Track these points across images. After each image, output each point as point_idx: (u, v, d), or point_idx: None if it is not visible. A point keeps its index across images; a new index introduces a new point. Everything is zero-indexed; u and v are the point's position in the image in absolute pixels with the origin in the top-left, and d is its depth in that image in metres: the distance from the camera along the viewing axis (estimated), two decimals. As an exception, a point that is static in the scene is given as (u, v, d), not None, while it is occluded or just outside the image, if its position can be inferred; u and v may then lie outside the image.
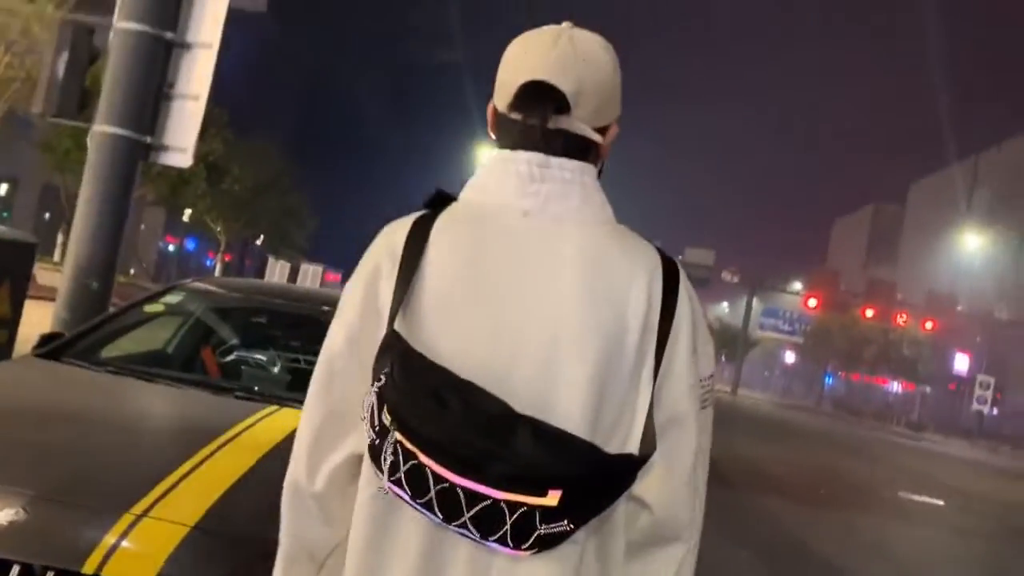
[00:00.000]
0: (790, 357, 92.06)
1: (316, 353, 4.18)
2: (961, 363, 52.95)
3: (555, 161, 1.26)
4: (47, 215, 38.86)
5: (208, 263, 55.37)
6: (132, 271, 34.52)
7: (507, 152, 1.29)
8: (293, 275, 38.15)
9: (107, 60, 6.50)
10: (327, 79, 66.28)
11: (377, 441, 1.12)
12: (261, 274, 45.64)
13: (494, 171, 1.29)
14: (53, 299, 6.94)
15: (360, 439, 1.20)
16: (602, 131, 1.31)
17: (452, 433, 1.09)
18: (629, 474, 1.15)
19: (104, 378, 3.32)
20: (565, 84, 1.25)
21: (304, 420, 1.28)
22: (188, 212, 36.59)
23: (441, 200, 1.28)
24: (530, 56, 1.28)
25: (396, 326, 1.17)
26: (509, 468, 1.07)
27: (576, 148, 1.28)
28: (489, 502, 1.08)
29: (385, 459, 1.12)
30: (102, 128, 6.42)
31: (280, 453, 2.69)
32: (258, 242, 45.46)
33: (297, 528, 1.29)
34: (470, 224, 1.24)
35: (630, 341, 1.20)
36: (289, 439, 2.79)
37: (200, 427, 2.81)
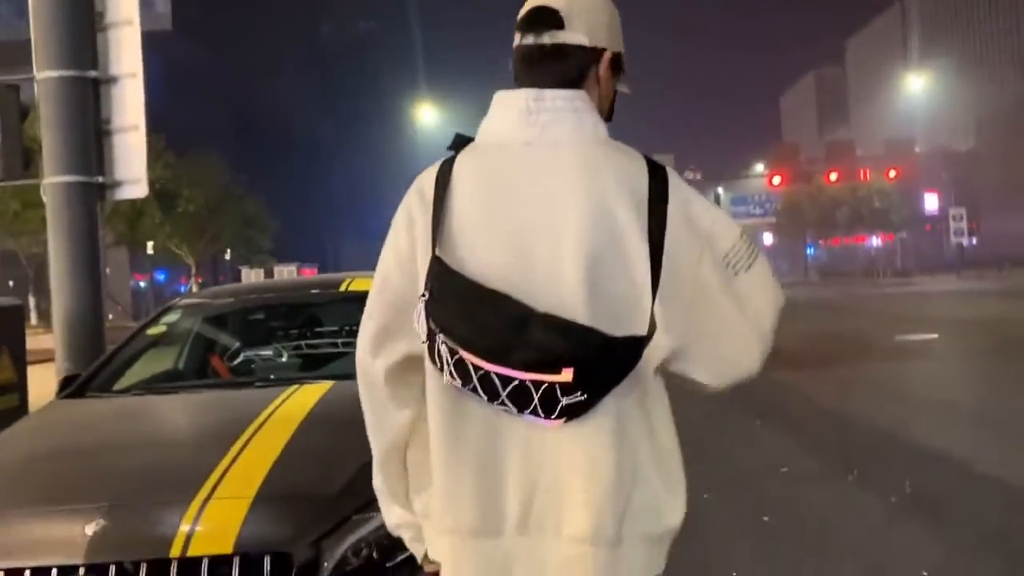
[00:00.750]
0: (768, 238, 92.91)
1: (317, 335, 4.43)
2: (931, 202, 53.80)
3: (548, 93, 1.50)
4: (11, 282, 38.49)
5: (182, 289, 55.12)
6: (111, 316, 34.37)
7: (506, 92, 1.54)
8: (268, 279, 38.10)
9: (38, 113, 6.56)
10: (253, 80, 65.20)
11: (428, 343, 1.39)
12: (237, 287, 45.57)
13: (499, 110, 1.53)
14: (45, 360, 7.12)
15: (412, 342, 1.46)
16: (596, 54, 1.54)
17: (481, 331, 1.36)
18: (632, 351, 1.39)
19: (131, 401, 3.57)
20: (557, 3, 1.52)
21: (365, 328, 1.52)
22: (151, 244, 36.37)
23: (462, 142, 1.53)
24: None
25: (437, 251, 1.43)
26: (528, 353, 1.34)
27: (569, 78, 1.52)
28: (517, 382, 1.34)
29: (438, 356, 1.38)
30: (53, 180, 6.48)
31: (313, 421, 2.98)
32: (226, 256, 45.29)
33: (378, 417, 1.54)
34: (483, 158, 1.50)
35: (622, 240, 1.43)
36: (317, 408, 3.08)
37: (235, 416, 3.06)
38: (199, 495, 2.47)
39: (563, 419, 1.37)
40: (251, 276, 30.70)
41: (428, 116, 55.36)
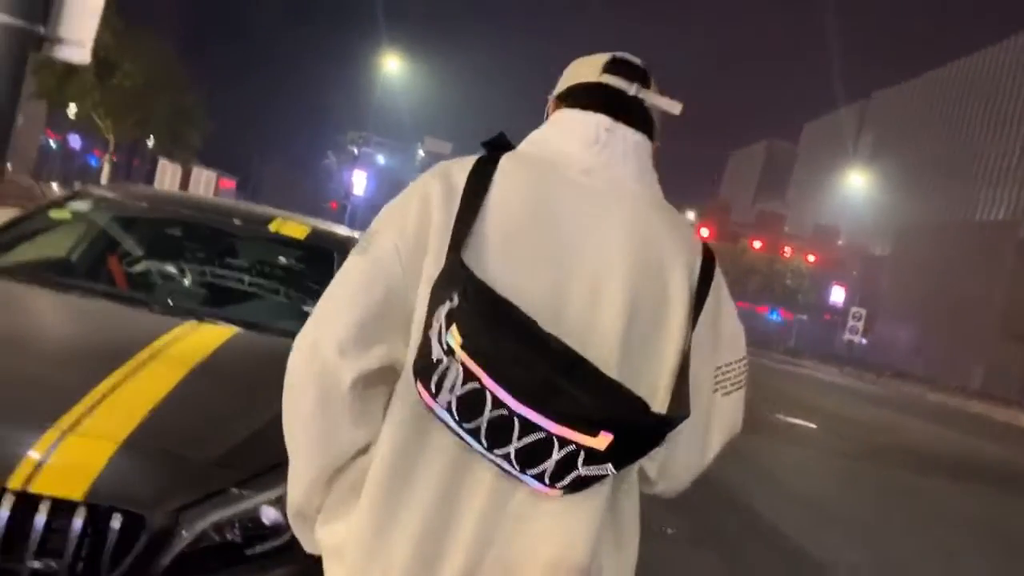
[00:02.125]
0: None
1: (228, 268, 4.10)
2: (837, 295, 55.78)
3: (620, 127, 1.35)
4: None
5: (93, 162, 52.60)
6: (9, 166, 32.46)
7: (577, 111, 1.36)
8: (185, 179, 36.58)
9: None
10: (224, -27, 62.65)
11: (436, 360, 1.15)
12: (151, 176, 43.62)
13: (561, 127, 1.36)
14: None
15: (393, 348, 1.23)
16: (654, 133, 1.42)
17: (524, 364, 1.13)
18: (662, 432, 1.22)
19: (9, 287, 3.20)
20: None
21: (340, 316, 1.23)
22: (73, 107, 34.42)
23: (502, 144, 1.33)
24: (595, 58, 1.43)
25: (462, 255, 1.20)
26: (572, 405, 1.13)
27: (643, 122, 1.38)
28: (543, 435, 1.13)
29: (441, 379, 1.15)
30: (-10, 15, 5.92)
31: (207, 370, 2.70)
32: (149, 143, 43.29)
33: (326, 431, 1.25)
34: (535, 172, 1.30)
35: (667, 311, 1.30)
36: (215, 356, 2.80)
37: (121, 340, 2.76)
38: (59, 423, 2.17)
39: (564, 491, 1.19)
40: (167, 170, 29.47)
41: (391, 65, 54.38)
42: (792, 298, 62.99)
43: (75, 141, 54.61)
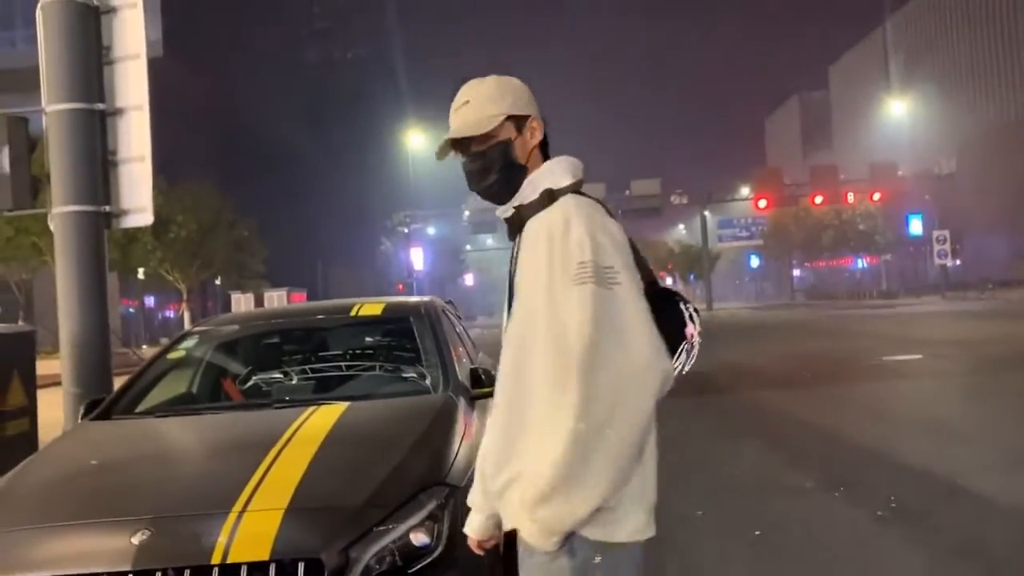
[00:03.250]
0: (755, 261, 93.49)
1: (324, 360, 4.68)
2: (915, 225, 54.48)
3: None
4: (0, 308, 38.46)
5: (170, 315, 55.08)
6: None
7: (574, 158, 1.99)
8: (258, 304, 38.00)
9: (46, 143, 6.76)
10: (243, 106, 65.55)
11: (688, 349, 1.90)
12: (227, 312, 45.46)
13: (577, 168, 1.97)
14: (46, 385, 7.27)
15: None
16: None
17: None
18: None
19: (156, 422, 3.77)
20: None
21: (644, 330, 1.74)
22: (141, 271, 36.44)
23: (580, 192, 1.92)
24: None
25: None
26: None
27: None
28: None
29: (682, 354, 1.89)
30: (61, 209, 6.65)
31: (334, 439, 3.20)
32: (216, 282, 45.37)
33: (652, 416, 1.76)
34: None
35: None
36: (337, 427, 3.30)
37: (260, 435, 3.27)
38: (235, 507, 2.67)
39: None
40: (241, 302, 30.79)
41: (416, 141, 55.86)
42: (870, 242, 61.66)
43: (150, 302, 57.35)
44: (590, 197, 1.88)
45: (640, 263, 1.84)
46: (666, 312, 1.82)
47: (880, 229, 60.30)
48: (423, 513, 2.78)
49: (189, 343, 4.55)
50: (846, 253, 67.53)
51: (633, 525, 1.75)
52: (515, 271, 1.87)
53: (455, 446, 3.19)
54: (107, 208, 6.96)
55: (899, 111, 60.76)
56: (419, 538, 2.75)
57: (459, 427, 3.39)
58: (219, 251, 37.21)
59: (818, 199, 53.27)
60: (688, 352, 1.86)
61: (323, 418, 3.41)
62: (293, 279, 50.05)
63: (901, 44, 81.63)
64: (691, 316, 1.88)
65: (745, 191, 63.91)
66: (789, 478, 6.56)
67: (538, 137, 1.93)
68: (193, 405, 4.22)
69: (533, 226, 1.84)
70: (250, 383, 4.62)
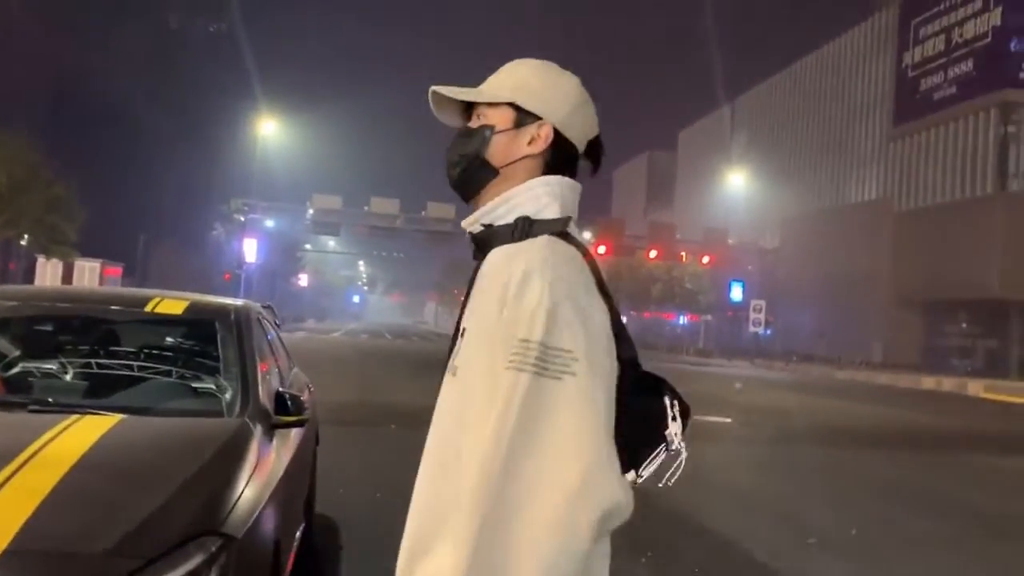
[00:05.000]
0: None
1: (110, 355, 3.97)
2: (736, 291, 57.50)
3: None
4: None
5: (-35, 271, 50.09)
6: None
7: (574, 182, 1.51)
8: (67, 273, 35.12)
9: None
10: (79, 53, 60.54)
11: (675, 450, 1.45)
12: (30, 276, 41.64)
13: (570, 198, 1.49)
14: None
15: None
16: None
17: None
18: None
19: None
20: None
21: (606, 463, 1.29)
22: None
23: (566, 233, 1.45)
24: (591, 107, 1.55)
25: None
26: None
27: None
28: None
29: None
30: None
31: (91, 462, 2.62)
32: (23, 242, 41.47)
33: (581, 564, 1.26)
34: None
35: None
36: (98, 447, 2.71)
37: (-4, 448, 2.65)
38: (-66, 542, 2.07)
39: None
40: (47, 267, 28.29)
41: (268, 128, 53.76)
42: (694, 301, 64.60)
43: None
44: (577, 243, 1.42)
45: (622, 338, 1.38)
46: (642, 409, 1.37)
47: (704, 290, 63.31)
48: (186, 567, 2.27)
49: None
50: (671, 308, 70.44)
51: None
52: (465, 310, 1.43)
53: (239, 486, 2.66)
54: None
55: (736, 184, 64.29)
56: (175, 600, 2.24)
57: (248, 463, 2.86)
58: (29, 209, 33.99)
59: (653, 253, 55.44)
60: (661, 459, 1.41)
61: (83, 433, 2.82)
62: (110, 252, 46.66)
63: (745, 123, 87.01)
64: (675, 415, 1.40)
65: (587, 236, 65.71)
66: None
67: (540, 146, 1.46)
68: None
69: (495, 262, 1.40)
70: (15, 370, 3.90)
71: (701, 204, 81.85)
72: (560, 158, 1.48)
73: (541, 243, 1.37)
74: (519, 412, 1.22)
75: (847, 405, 21.93)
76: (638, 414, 1.36)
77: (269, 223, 55.37)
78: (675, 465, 1.43)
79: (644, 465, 1.38)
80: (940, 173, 58.16)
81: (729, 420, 15.51)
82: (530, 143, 1.46)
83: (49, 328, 4.14)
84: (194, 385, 3.69)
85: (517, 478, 1.20)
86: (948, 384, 34.60)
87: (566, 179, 1.48)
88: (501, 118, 1.47)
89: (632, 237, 58.14)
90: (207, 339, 3.84)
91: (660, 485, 1.44)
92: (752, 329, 51.67)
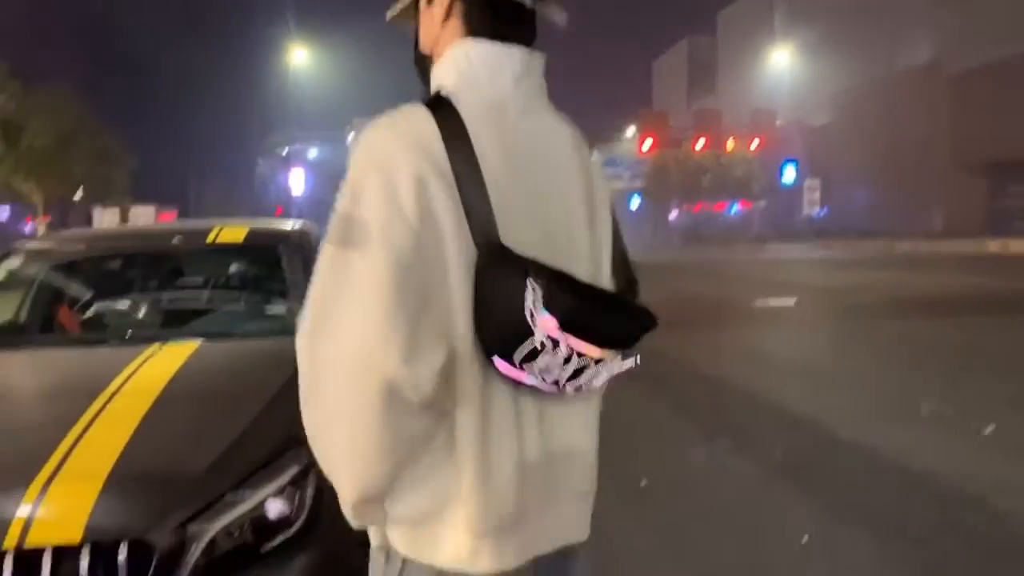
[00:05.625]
0: (636, 202, 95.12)
1: (181, 288, 4.04)
2: (789, 173, 56.22)
3: (537, 57, 1.37)
4: None
5: (27, 229, 51.49)
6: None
7: (498, 45, 1.33)
8: (124, 221, 35.72)
9: None
10: (119, 10, 60.30)
11: (539, 345, 1.21)
12: (89, 227, 42.50)
13: (486, 65, 1.32)
14: None
15: (446, 344, 1.23)
16: None
17: (612, 322, 1.28)
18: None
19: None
20: None
21: (391, 333, 1.16)
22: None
23: (441, 98, 1.28)
24: None
25: (501, 235, 1.23)
26: (621, 330, 1.30)
27: (534, 35, 1.39)
28: (590, 360, 1.26)
29: (544, 358, 1.22)
30: None
31: (177, 388, 2.67)
32: (77, 197, 42.26)
33: (395, 431, 1.21)
34: (491, 125, 1.28)
35: (599, 215, 1.44)
36: (182, 372, 2.77)
37: (85, 381, 2.72)
38: (40, 475, 2.14)
39: (578, 391, 1.34)
40: (104, 217, 28.76)
41: (299, 57, 53.35)
42: (746, 187, 63.42)
43: (3, 213, 53.26)
44: (448, 113, 1.25)
45: (483, 220, 1.22)
46: (501, 295, 1.21)
47: (756, 175, 61.96)
48: (282, 479, 2.32)
49: (12, 263, 3.86)
50: (723, 198, 69.29)
51: (452, 550, 1.29)
52: None
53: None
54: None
55: (780, 62, 62.04)
56: (276, 508, 2.30)
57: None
58: (80, 161, 34.49)
59: (700, 143, 54.21)
60: (558, 359, 1.23)
61: (165, 361, 2.87)
62: (163, 196, 47.41)
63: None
64: (548, 299, 1.19)
65: (631, 131, 64.45)
66: (673, 425, 6.41)
67: (440, 12, 1.34)
68: (14, 338, 3.58)
69: None
70: (91, 312, 4.00)
71: (746, 87, 79.42)
72: (481, 18, 1.34)
73: (387, 115, 1.28)
74: (322, 283, 1.22)
75: (912, 276, 21.50)
76: (496, 301, 1.21)
77: (312, 153, 55.49)
78: (561, 367, 1.25)
79: (520, 355, 1.22)
80: (994, 29, 55.31)
81: (792, 302, 15.34)
82: (438, 9, 1.36)
83: (118, 267, 4.20)
84: (264, 308, 3.73)
85: (319, 348, 1.21)
86: (1015, 247, 33.67)
87: (478, 42, 1.33)
88: (422, 2, 1.40)
89: (677, 128, 56.85)
90: (271, 263, 3.86)
91: (548, 382, 1.26)
92: (807, 210, 50.64)
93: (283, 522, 2.28)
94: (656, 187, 75.91)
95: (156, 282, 4.06)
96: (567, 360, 1.23)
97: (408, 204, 1.18)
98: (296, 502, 2.33)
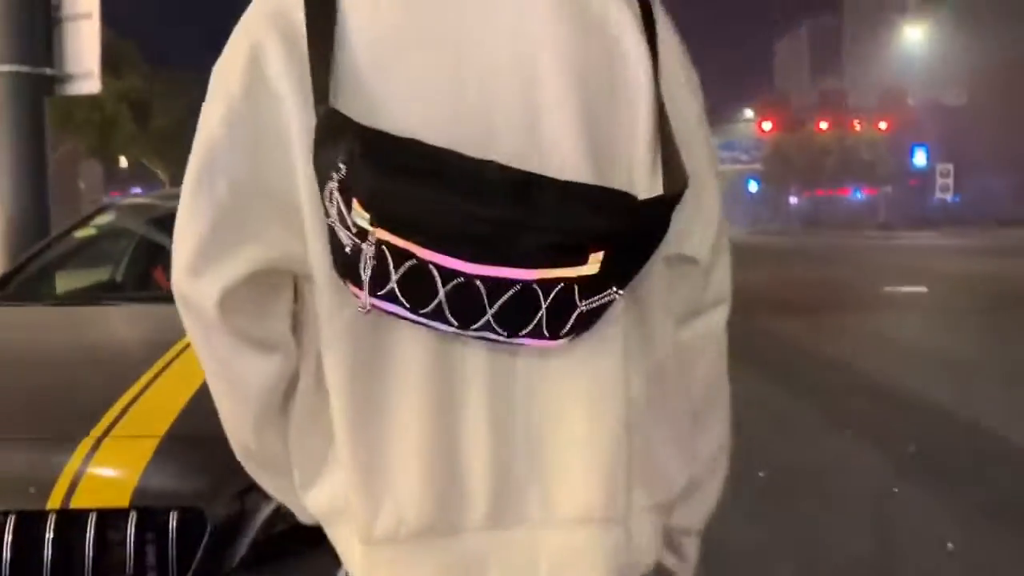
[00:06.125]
0: (753, 186, 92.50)
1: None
2: (919, 157, 53.42)
3: None
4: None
5: (157, 207, 54.11)
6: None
7: None
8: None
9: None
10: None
11: (352, 251, 0.84)
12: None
13: None
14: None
15: (275, 245, 0.91)
16: None
17: (459, 211, 0.82)
18: (661, 220, 0.90)
19: (44, 312, 3.03)
20: None
21: (182, 233, 0.91)
22: (123, 159, 35.19)
23: None
24: None
25: (331, 101, 0.86)
26: (540, 237, 0.83)
27: None
28: (518, 288, 0.84)
29: (366, 270, 0.83)
30: (-2, 69, 5.83)
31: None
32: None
33: (227, 370, 0.96)
34: None
35: (620, 74, 0.95)
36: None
37: (156, 338, 2.54)
38: (95, 431, 1.95)
39: (572, 335, 0.89)
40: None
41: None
42: (872, 172, 60.61)
43: (137, 192, 56.16)
44: None
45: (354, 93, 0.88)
46: (320, 167, 0.86)
47: (883, 158, 59.13)
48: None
49: (105, 218, 3.77)
50: (846, 182, 66.52)
51: (347, 559, 0.99)
52: None
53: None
54: (48, 71, 6.14)
55: (913, 37, 58.92)
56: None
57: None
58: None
59: (823, 124, 52.05)
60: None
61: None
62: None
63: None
64: (349, 166, 0.81)
65: (748, 114, 62.49)
66: (798, 413, 5.95)
67: None
68: (108, 294, 3.48)
69: None
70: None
71: (874, 67, 75.90)
72: None
73: None
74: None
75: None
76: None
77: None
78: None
79: (341, 268, 0.87)
80: None
81: (925, 289, 14.37)
82: None
83: None
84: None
85: None
86: None
87: None
88: None
89: (799, 110, 54.83)
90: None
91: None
92: (939, 196, 47.95)
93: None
94: (775, 170, 73.61)
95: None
96: (419, 281, 0.82)
97: (234, 78, 0.91)
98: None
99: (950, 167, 46.54)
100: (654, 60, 0.96)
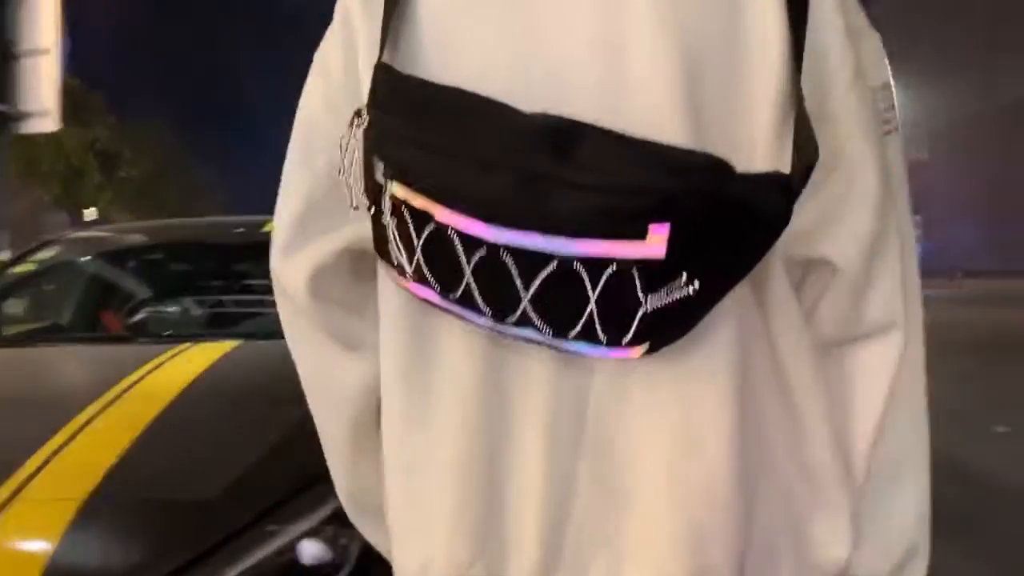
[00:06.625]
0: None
1: (228, 280, 3.44)
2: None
3: None
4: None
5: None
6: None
7: None
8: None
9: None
10: (207, 44, 62.76)
11: (374, 213, 0.71)
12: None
13: None
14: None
15: (355, 229, 0.80)
16: None
17: (475, 158, 0.65)
18: (776, 201, 0.64)
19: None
20: None
21: (280, 211, 0.83)
22: (90, 210, 34.86)
23: None
24: None
25: (384, 56, 0.74)
26: (580, 198, 0.62)
27: None
28: (554, 265, 0.63)
29: (395, 236, 0.69)
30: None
31: (197, 392, 2.12)
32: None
33: (317, 368, 0.87)
34: None
35: (741, 35, 0.71)
36: (208, 375, 2.22)
37: (85, 384, 2.20)
38: (0, 491, 1.61)
39: (645, 344, 0.65)
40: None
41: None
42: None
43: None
44: None
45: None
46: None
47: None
48: (320, 514, 1.73)
49: (45, 254, 3.42)
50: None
51: (412, 555, 0.79)
52: None
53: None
54: (3, 108, 5.89)
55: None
56: (311, 552, 1.71)
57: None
58: (172, 194, 35.76)
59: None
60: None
61: (193, 360, 2.32)
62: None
63: (889, 26, 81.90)
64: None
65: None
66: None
67: None
68: (40, 334, 3.14)
69: None
70: (132, 309, 3.54)
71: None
72: None
73: None
74: None
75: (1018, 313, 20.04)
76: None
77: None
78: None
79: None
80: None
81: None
82: None
83: (159, 257, 3.77)
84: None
85: None
86: None
87: None
88: None
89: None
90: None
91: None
92: (909, 247, 48.81)
93: (317, 570, 1.69)
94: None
95: (204, 275, 3.61)
96: (440, 250, 0.66)
97: (332, 51, 0.83)
98: (339, 544, 1.74)
99: (918, 218, 47.43)
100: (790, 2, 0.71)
